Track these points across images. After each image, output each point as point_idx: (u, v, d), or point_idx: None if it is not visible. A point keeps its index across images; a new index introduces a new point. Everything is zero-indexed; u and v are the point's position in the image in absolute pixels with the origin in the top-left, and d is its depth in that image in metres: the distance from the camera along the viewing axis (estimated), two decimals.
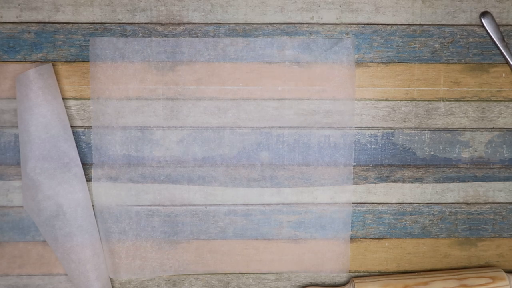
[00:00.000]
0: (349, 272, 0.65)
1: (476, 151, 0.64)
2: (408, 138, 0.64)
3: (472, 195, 0.65)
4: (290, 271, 0.65)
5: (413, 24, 0.63)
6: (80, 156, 0.63)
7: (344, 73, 0.63)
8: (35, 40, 0.62)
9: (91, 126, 0.63)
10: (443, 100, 0.64)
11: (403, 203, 0.65)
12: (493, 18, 0.63)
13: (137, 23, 0.62)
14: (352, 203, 0.64)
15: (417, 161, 0.64)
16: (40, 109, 0.60)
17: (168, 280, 0.65)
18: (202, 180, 0.63)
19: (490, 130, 0.64)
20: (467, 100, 0.64)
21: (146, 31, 0.62)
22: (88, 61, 0.62)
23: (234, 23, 0.62)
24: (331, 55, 0.63)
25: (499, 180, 0.65)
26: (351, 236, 0.64)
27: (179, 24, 0.62)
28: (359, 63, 0.63)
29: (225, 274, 0.65)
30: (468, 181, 0.65)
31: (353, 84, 0.63)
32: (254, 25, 0.63)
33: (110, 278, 0.64)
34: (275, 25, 0.63)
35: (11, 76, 0.62)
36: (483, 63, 0.64)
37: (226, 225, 0.64)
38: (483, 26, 0.63)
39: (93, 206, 0.63)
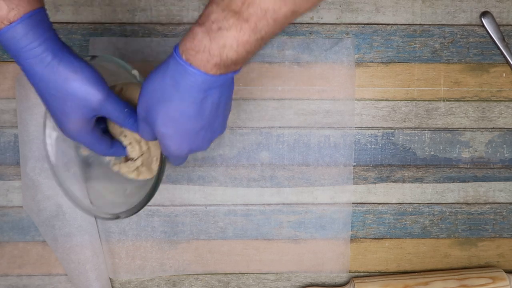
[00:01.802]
0: (349, 272, 0.65)
1: (476, 151, 0.64)
2: (408, 138, 0.64)
3: (472, 195, 0.65)
4: (290, 271, 0.65)
5: (413, 24, 0.63)
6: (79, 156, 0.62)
7: (344, 73, 0.63)
8: None
9: None
10: (443, 100, 0.64)
11: (403, 203, 0.65)
12: (493, 18, 0.63)
13: (137, 23, 0.62)
14: (352, 203, 0.64)
15: (417, 161, 0.64)
16: (40, 109, 0.60)
17: (168, 280, 0.65)
18: (202, 180, 0.63)
19: (490, 130, 0.64)
20: (467, 100, 0.64)
21: (146, 31, 0.62)
22: None
23: None
24: (331, 55, 0.63)
25: (499, 180, 0.65)
26: (351, 236, 0.64)
27: (179, 24, 0.62)
28: (359, 63, 0.63)
29: (225, 274, 0.65)
30: (468, 181, 0.65)
31: (353, 84, 0.63)
32: None
33: (110, 278, 0.64)
34: None
35: (11, 76, 0.62)
36: (483, 63, 0.64)
37: (226, 225, 0.64)
38: (483, 26, 0.63)
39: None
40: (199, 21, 0.40)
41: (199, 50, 0.39)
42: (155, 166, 0.55)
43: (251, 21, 0.38)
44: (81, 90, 0.44)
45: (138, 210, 0.51)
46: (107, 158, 0.58)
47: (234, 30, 0.38)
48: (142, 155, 0.55)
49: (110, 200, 0.57)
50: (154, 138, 0.48)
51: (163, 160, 0.49)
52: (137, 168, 0.55)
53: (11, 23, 0.40)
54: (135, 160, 0.55)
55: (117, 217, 0.52)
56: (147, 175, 0.56)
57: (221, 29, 0.39)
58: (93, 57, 0.51)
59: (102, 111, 0.47)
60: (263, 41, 0.40)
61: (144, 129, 0.47)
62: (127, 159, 0.56)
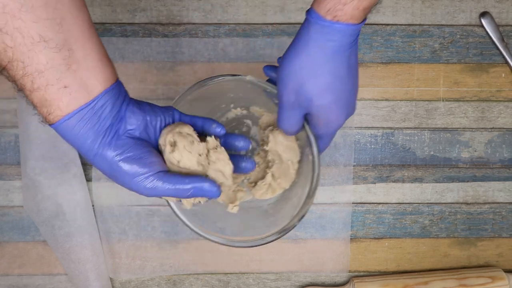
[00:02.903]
0: (349, 272, 0.65)
1: (475, 151, 0.64)
2: (408, 138, 0.64)
3: (471, 195, 0.65)
4: (290, 271, 0.65)
5: (413, 24, 0.63)
6: (79, 156, 0.62)
7: None
8: None
9: None
10: (443, 100, 0.64)
11: (403, 203, 0.65)
12: (492, 19, 0.63)
13: (137, 23, 0.62)
14: (352, 203, 0.64)
15: (417, 161, 0.64)
16: None
17: (168, 280, 0.65)
18: None
19: (490, 130, 0.64)
20: (467, 100, 0.64)
21: (146, 31, 0.62)
22: None
23: (234, 23, 0.63)
24: None
25: (498, 180, 0.65)
26: (351, 236, 0.65)
27: (179, 24, 0.62)
28: (359, 63, 0.63)
29: (225, 274, 0.65)
30: (467, 181, 0.65)
31: None
32: (254, 25, 0.63)
33: (110, 278, 0.64)
34: (275, 25, 0.63)
35: None
36: (483, 63, 0.64)
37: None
38: (482, 26, 0.63)
39: (93, 206, 0.63)
40: None
41: (346, 1, 0.38)
42: (292, 170, 0.49)
43: None
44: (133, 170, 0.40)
45: (303, 217, 0.46)
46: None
47: None
48: (271, 168, 0.49)
49: (261, 228, 0.49)
50: (298, 130, 0.45)
51: (318, 155, 0.45)
52: (269, 185, 0.49)
53: (63, 116, 0.37)
54: (265, 177, 0.49)
55: (293, 226, 0.46)
56: (285, 184, 0.49)
57: None
58: (234, 75, 0.47)
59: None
60: None
61: (292, 117, 0.44)
62: (252, 181, 0.50)
